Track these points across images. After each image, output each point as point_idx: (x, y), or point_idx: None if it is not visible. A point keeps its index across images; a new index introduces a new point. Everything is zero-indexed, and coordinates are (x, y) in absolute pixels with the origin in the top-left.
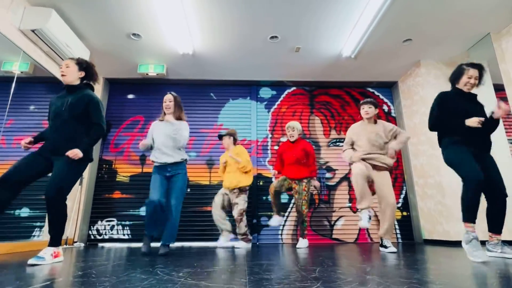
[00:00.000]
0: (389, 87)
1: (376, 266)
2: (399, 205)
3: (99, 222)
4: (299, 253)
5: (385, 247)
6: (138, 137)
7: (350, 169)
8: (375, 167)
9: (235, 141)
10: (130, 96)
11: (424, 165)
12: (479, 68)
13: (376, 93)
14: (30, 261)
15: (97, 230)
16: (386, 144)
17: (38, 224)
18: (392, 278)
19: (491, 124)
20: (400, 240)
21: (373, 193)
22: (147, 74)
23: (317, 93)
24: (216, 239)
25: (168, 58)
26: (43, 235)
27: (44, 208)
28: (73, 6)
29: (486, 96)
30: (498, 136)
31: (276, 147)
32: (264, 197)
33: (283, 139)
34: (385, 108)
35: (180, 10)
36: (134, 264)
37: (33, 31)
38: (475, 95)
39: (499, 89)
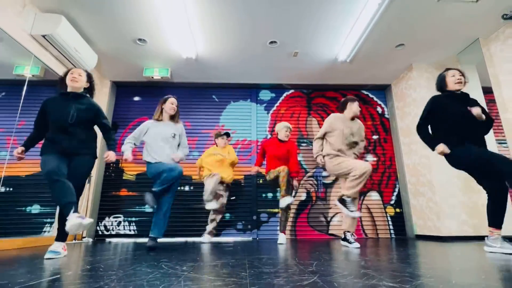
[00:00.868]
0: (383, 90)
1: (371, 261)
2: (392, 202)
3: (107, 219)
4: (297, 247)
5: (348, 241)
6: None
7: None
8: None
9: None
10: (136, 98)
11: (416, 164)
12: (457, 69)
13: (370, 95)
14: (48, 256)
15: (105, 226)
16: (355, 144)
17: (48, 220)
18: (386, 272)
19: (483, 124)
20: (393, 236)
21: None
22: (152, 77)
23: (314, 96)
24: (218, 235)
25: (172, 62)
26: (53, 230)
27: (54, 205)
28: (81, 12)
29: (476, 98)
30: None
31: None
32: (263, 195)
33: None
34: (379, 110)
35: (183, 16)
36: (140, 259)
37: (43, 36)
38: (467, 95)
39: (487, 91)
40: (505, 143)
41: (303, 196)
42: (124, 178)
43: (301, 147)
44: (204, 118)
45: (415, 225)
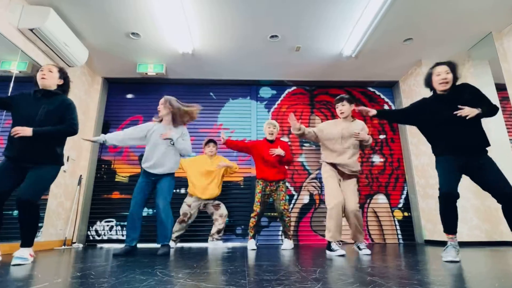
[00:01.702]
0: (390, 87)
1: (377, 267)
2: (400, 205)
3: (98, 223)
4: (299, 253)
5: (360, 248)
6: None
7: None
8: (343, 174)
9: None
10: (129, 96)
11: (425, 165)
12: (447, 63)
13: (377, 92)
14: (14, 262)
15: (96, 231)
16: (358, 146)
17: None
18: (393, 279)
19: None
20: (401, 241)
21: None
22: (146, 73)
23: (317, 93)
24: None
25: (167, 58)
26: (41, 235)
27: (42, 210)
28: (71, 5)
29: (488, 96)
30: (499, 137)
31: None
32: None
33: (284, 139)
34: (386, 107)
35: (179, 9)
36: (133, 265)
37: (31, 30)
38: (457, 92)
39: (501, 88)
40: None
41: (305, 199)
42: (116, 180)
43: (303, 147)
44: (201, 117)
45: (424, 230)
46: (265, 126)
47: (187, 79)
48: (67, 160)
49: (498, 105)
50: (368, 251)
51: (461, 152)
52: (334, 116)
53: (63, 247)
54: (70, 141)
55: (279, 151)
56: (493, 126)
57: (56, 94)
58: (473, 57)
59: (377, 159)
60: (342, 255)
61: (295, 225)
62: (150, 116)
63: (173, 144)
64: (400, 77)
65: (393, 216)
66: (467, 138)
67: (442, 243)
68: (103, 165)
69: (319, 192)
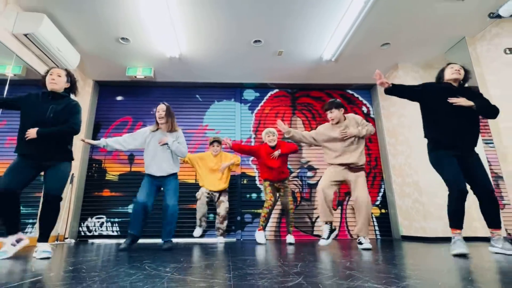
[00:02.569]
0: (368, 89)
1: (356, 262)
2: (378, 203)
3: (89, 219)
4: (282, 249)
5: (360, 243)
6: None
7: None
8: (350, 168)
9: None
10: (119, 98)
11: (402, 164)
12: (460, 64)
13: (356, 95)
14: (42, 255)
15: (87, 227)
16: (359, 139)
17: (30, 221)
18: (371, 273)
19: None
20: (378, 237)
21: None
22: (135, 76)
23: (299, 95)
24: (202, 236)
25: (155, 62)
26: (35, 231)
27: (36, 206)
28: (64, 11)
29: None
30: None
31: None
32: (247, 195)
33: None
34: (364, 109)
35: (166, 15)
36: (123, 260)
37: (25, 35)
38: (466, 89)
39: None
40: (492, 142)
41: None
42: (106, 178)
43: None
44: (187, 118)
45: (401, 226)
46: (264, 136)
47: (175, 82)
48: None
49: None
50: (369, 245)
51: (459, 146)
52: (315, 117)
53: (55, 242)
54: None
55: (276, 153)
56: None
57: (64, 97)
58: (448, 60)
59: None
60: (369, 248)
61: (277, 222)
62: (139, 117)
63: (169, 148)
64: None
65: (371, 213)
66: (467, 133)
67: (418, 239)
68: (94, 164)
69: (300, 190)
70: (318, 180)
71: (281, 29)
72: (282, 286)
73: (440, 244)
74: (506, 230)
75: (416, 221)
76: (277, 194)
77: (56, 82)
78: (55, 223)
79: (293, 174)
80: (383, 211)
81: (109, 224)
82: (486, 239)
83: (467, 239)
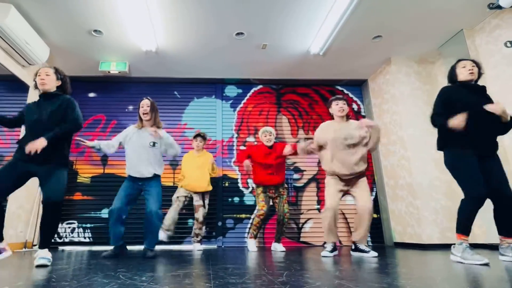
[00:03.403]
0: (359, 86)
1: (346, 270)
2: None
3: (60, 225)
4: (266, 256)
5: (364, 251)
6: (99, 136)
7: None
8: (351, 181)
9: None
10: (91, 95)
11: (395, 166)
12: (471, 60)
13: (346, 91)
14: (40, 262)
15: (57, 233)
16: (360, 144)
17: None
18: (362, 283)
19: (502, 125)
20: (370, 243)
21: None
22: (109, 72)
23: (285, 92)
24: (179, 242)
25: (130, 56)
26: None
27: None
28: (33, 1)
29: None
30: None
31: (242, 147)
32: (229, 199)
33: (250, 139)
34: (355, 107)
35: (143, 5)
36: (96, 268)
37: None
38: (483, 87)
39: None
40: None
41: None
42: (78, 181)
43: None
44: (165, 116)
45: (393, 232)
46: (261, 135)
47: (151, 78)
48: None
49: None
50: (375, 253)
51: (479, 148)
52: (301, 115)
53: (24, 249)
54: None
55: (287, 150)
56: None
57: (57, 95)
58: (443, 55)
59: None
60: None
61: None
62: (113, 115)
63: (154, 145)
64: (369, 75)
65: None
66: (491, 134)
67: (412, 246)
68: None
69: (286, 193)
70: (305, 183)
71: (265, 21)
72: None
73: (435, 251)
74: None
75: (410, 226)
76: (270, 203)
77: (46, 82)
78: (57, 229)
79: None
80: (374, 216)
81: (81, 230)
82: (485, 246)
83: None
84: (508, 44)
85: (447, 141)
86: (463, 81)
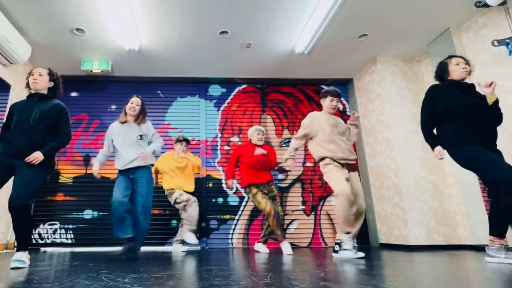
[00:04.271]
0: (344, 85)
1: (331, 272)
2: None
3: (41, 226)
4: (250, 258)
5: (355, 247)
6: (82, 136)
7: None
8: (349, 166)
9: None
10: (73, 94)
11: (381, 166)
12: (462, 57)
13: None
14: (13, 265)
15: (39, 234)
16: (345, 134)
17: None
18: (348, 284)
19: (494, 114)
20: (355, 245)
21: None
22: (91, 71)
23: (269, 91)
24: (163, 244)
25: (113, 54)
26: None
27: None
28: None
29: None
30: None
31: (227, 147)
32: (213, 200)
33: (234, 139)
34: (340, 106)
35: (126, 4)
36: (78, 270)
37: None
38: (472, 85)
39: None
40: None
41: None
42: (60, 181)
43: None
44: (148, 116)
45: (379, 233)
46: (254, 133)
47: (134, 77)
48: None
49: None
50: (362, 254)
51: (485, 142)
52: (286, 115)
53: (5, 251)
54: None
55: (260, 150)
56: None
57: (49, 98)
58: (430, 53)
59: None
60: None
61: (245, 229)
62: (95, 115)
63: (141, 138)
64: (355, 74)
65: None
66: (487, 128)
67: (399, 247)
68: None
69: None
70: (290, 183)
71: (249, 19)
72: None
73: (422, 252)
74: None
75: (396, 227)
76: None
77: (38, 82)
78: (30, 233)
79: None
80: None
81: (63, 231)
82: (471, 248)
83: (450, 248)
84: (496, 43)
85: (449, 140)
86: (455, 80)
